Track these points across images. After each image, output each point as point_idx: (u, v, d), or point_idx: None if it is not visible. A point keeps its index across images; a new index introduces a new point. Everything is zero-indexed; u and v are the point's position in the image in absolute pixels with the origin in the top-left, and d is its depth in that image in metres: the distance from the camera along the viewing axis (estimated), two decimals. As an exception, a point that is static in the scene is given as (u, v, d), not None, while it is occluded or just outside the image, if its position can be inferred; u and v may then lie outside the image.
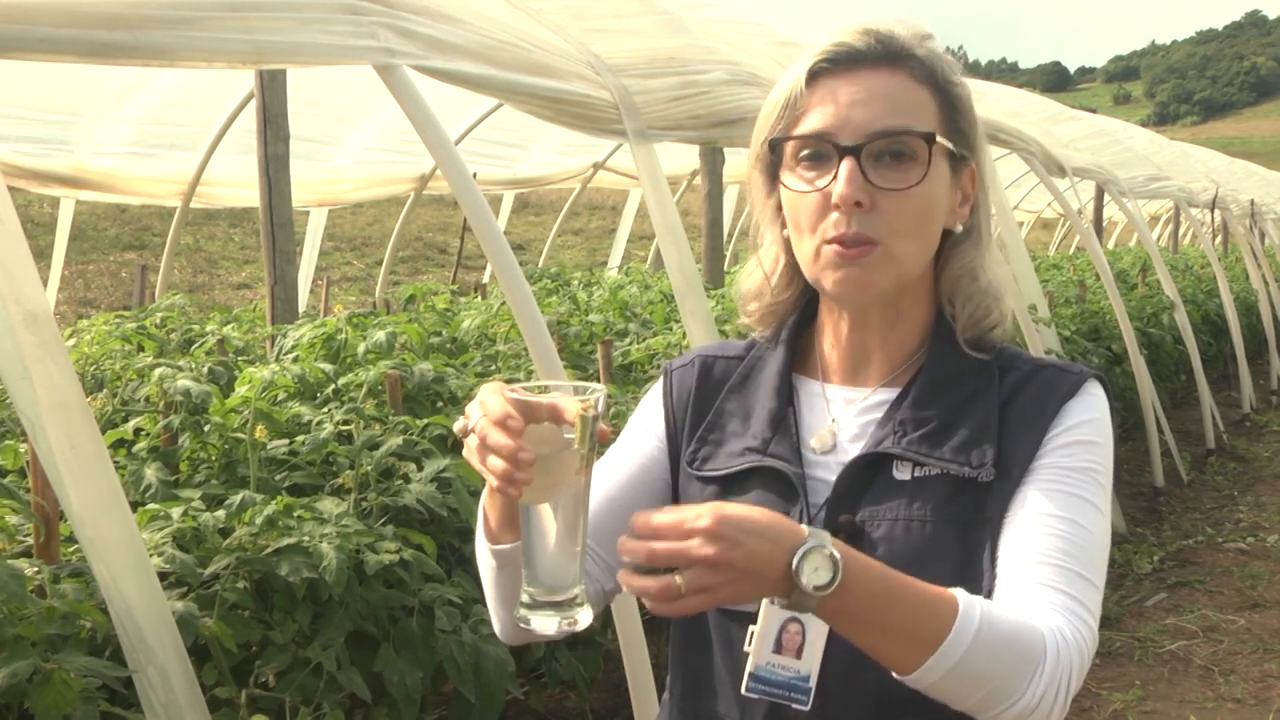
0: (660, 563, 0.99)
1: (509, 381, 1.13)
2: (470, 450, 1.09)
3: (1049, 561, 1.15)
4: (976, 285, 1.28)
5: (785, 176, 1.25)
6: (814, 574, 1.01)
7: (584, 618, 1.09)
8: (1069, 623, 1.12)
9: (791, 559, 1.01)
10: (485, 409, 1.07)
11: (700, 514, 1.00)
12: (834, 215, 1.21)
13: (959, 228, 1.28)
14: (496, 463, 1.05)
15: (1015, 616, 1.10)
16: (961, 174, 1.27)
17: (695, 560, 0.99)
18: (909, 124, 1.21)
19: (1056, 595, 1.13)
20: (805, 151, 1.23)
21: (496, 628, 1.33)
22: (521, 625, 1.09)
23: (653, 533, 1.00)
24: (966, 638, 1.05)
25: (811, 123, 1.23)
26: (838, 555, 1.02)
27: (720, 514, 1.00)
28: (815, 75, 1.24)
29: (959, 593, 1.08)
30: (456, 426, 1.13)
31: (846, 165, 1.20)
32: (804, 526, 1.04)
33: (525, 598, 1.09)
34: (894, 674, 1.08)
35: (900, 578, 1.07)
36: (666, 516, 1.01)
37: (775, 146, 1.26)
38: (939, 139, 1.22)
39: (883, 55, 1.23)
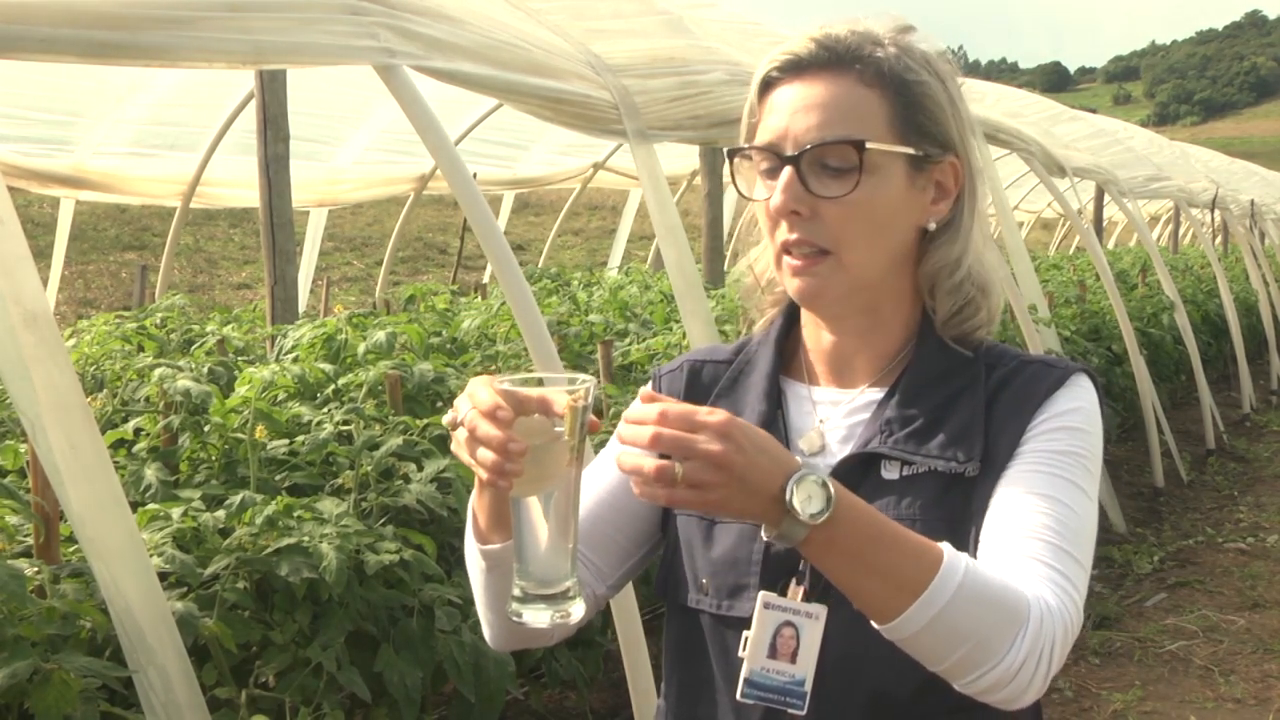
0: (662, 448, 0.98)
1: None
2: (459, 444, 1.09)
3: (1036, 537, 1.14)
4: (953, 280, 1.27)
5: (754, 186, 1.27)
6: (807, 501, 1.01)
7: (577, 611, 1.08)
8: (1054, 594, 1.11)
9: (787, 482, 1.01)
10: (474, 401, 1.06)
11: (712, 410, 1.00)
12: (781, 225, 1.23)
13: (933, 225, 1.27)
14: (486, 455, 1.04)
15: (1001, 577, 1.09)
16: (929, 171, 1.25)
17: (699, 454, 0.98)
18: (844, 132, 1.20)
19: (1043, 568, 1.13)
20: (763, 163, 1.25)
21: (486, 633, 1.32)
22: (514, 619, 1.08)
23: (659, 417, 0.99)
24: (950, 588, 1.04)
25: (762, 134, 1.25)
26: (830, 485, 1.02)
27: (730, 416, 1.00)
28: (766, 86, 1.26)
29: (946, 546, 1.08)
30: (445, 420, 1.12)
31: (784, 175, 1.21)
32: (797, 456, 1.03)
33: (517, 591, 1.08)
34: (875, 624, 1.07)
35: (889, 521, 1.07)
36: (677, 406, 1.00)
37: (732, 157, 1.28)
38: (875, 146, 1.20)
39: (827, 61, 1.23)
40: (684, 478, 0.98)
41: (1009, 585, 1.08)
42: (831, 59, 1.23)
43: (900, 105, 1.23)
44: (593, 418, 1.08)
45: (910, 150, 1.23)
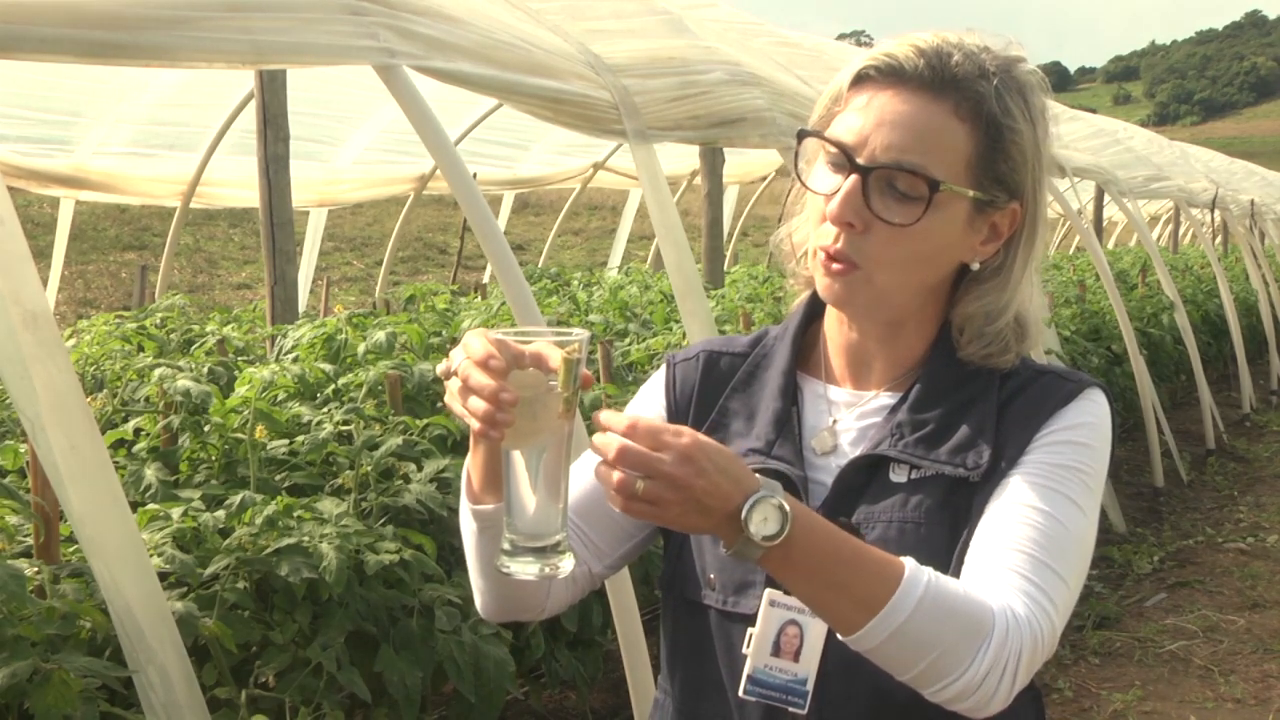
0: (627, 464, 1.00)
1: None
2: (452, 394, 1.09)
3: (1018, 549, 1.15)
4: (992, 327, 1.25)
5: (813, 168, 1.25)
6: (762, 523, 1.02)
7: (566, 565, 1.08)
8: (1025, 606, 1.11)
9: (744, 503, 1.02)
10: (468, 351, 1.07)
11: (679, 432, 1.01)
12: (828, 225, 1.21)
13: (976, 265, 1.25)
14: (478, 404, 1.05)
15: (965, 590, 1.10)
16: (989, 214, 1.23)
17: (660, 474, 1.00)
18: (923, 163, 1.18)
19: (1018, 579, 1.13)
20: (832, 156, 1.23)
21: (478, 602, 1.31)
22: (502, 571, 1.08)
23: (628, 430, 1.01)
24: (910, 602, 1.05)
25: (839, 129, 1.22)
26: (787, 507, 1.03)
27: (696, 438, 1.02)
28: (860, 80, 1.23)
29: (908, 560, 1.08)
30: (439, 369, 1.12)
31: (849, 184, 1.19)
32: (759, 476, 1.04)
33: (506, 545, 1.08)
34: (839, 635, 1.09)
35: (848, 539, 1.08)
36: (646, 423, 1.01)
37: (802, 138, 1.26)
38: (948, 186, 1.18)
39: (929, 80, 1.20)
40: (643, 493, 1.00)
41: (972, 598, 1.09)
42: (934, 80, 1.20)
43: (986, 146, 1.21)
44: (586, 372, 1.08)
45: (980, 195, 1.21)
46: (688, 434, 1.01)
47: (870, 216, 1.19)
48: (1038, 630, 1.10)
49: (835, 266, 1.21)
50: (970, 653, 1.07)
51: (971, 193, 1.20)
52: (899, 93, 1.20)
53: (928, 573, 1.08)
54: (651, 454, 1.00)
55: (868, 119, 1.20)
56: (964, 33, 1.24)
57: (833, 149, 1.22)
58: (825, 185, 1.22)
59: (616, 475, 1.01)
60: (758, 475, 1.04)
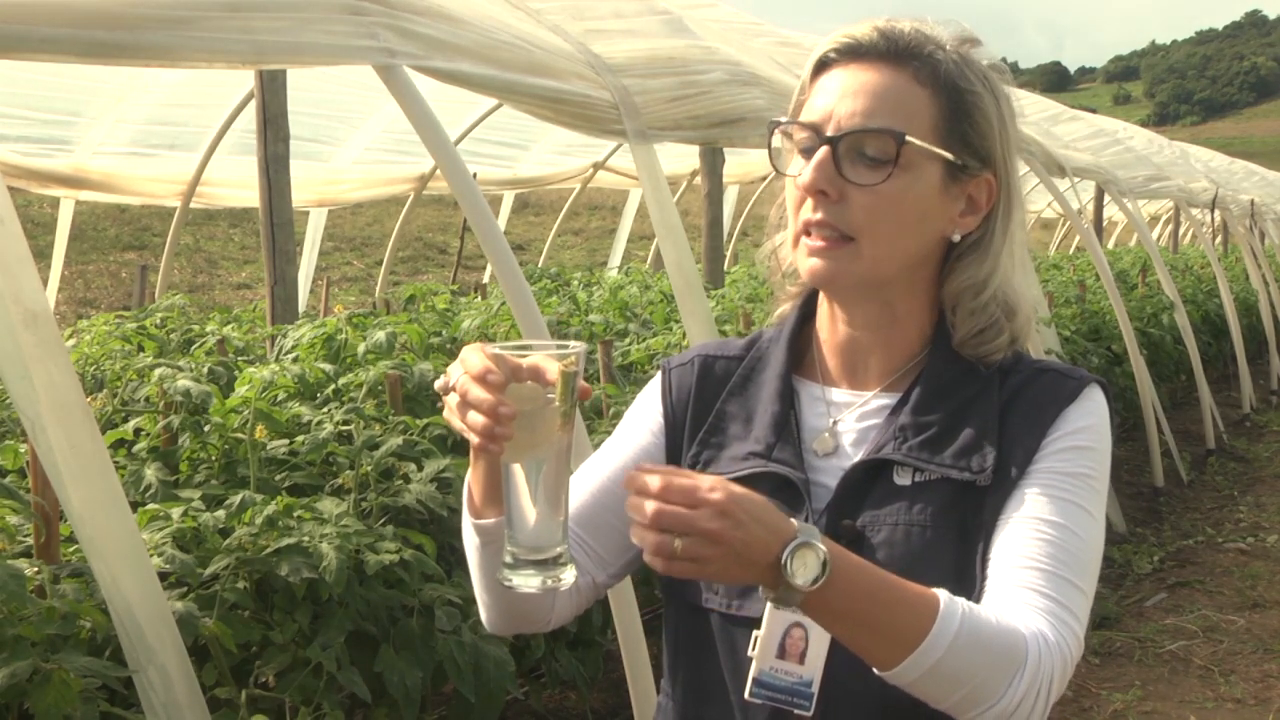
0: (663, 526, 0.99)
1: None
2: (450, 409, 1.09)
3: (1038, 566, 1.15)
4: (978, 301, 1.26)
5: (791, 163, 1.27)
6: (803, 570, 1.02)
7: (568, 577, 1.08)
8: (1053, 628, 1.12)
9: (783, 551, 1.02)
10: (465, 366, 1.07)
11: (713, 486, 1.00)
12: (807, 204, 1.23)
13: (957, 237, 1.26)
14: (476, 418, 1.05)
15: (997, 620, 1.10)
16: (964, 182, 1.25)
17: (698, 530, 0.99)
18: (888, 123, 1.20)
19: (1043, 600, 1.14)
20: (803, 141, 1.25)
21: (484, 616, 1.32)
22: (504, 584, 1.08)
23: (662, 492, 1.00)
24: (945, 639, 1.06)
25: (807, 112, 1.25)
26: (826, 552, 1.03)
27: (731, 491, 1.01)
28: (821, 66, 1.26)
29: (942, 594, 1.09)
30: (437, 385, 1.13)
31: (819, 154, 1.21)
32: (794, 521, 1.04)
33: (508, 558, 1.08)
34: (874, 670, 1.09)
35: (884, 577, 1.07)
36: (680, 480, 1.00)
37: (773, 130, 1.27)
38: (916, 142, 1.20)
39: (885, 52, 1.23)
40: (682, 552, 0.99)
41: (1005, 627, 1.10)
42: (890, 51, 1.23)
43: (949, 111, 1.23)
44: (584, 385, 1.08)
45: (949, 156, 1.22)
46: (721, 487, 1.00)
47: (844, 183, 1.20)
48: (1067, 651, 1.12)
49: (820, 244, 1.22)
50: (1005, 681, 1.08)
51: (939, 151, 1.22)
52: (859, 67, 1.23)
53: (961, 605, 1.08)
54: (688, 512, 0.99)
55: (830, 97, 1.23)
56: (918, 20, 1.27)
57: (800, 132, 1.24)
58: (800, 169, 1.24)
59: (653, 537, 1.00)
60: (793, 520, 1.04)
